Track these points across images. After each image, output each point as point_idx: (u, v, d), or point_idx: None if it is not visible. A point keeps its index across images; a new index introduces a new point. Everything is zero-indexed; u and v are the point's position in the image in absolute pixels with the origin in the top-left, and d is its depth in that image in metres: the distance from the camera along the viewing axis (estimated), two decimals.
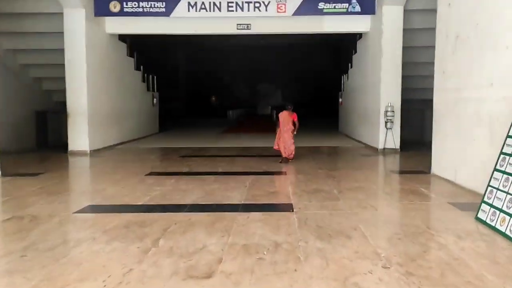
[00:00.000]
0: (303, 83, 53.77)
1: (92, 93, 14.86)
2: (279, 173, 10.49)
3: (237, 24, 15.93)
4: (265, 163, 11.85)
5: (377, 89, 14.68)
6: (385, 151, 14.22)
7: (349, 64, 20.74)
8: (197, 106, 47.64)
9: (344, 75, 22.29)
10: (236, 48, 49.61)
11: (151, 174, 10.27)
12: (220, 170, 10.80)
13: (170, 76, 42.78)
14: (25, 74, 16.75)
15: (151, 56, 42.79)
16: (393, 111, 13.98)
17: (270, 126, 30.85)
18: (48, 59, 16.31)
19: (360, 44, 17.96)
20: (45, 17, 15.25)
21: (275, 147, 12.14)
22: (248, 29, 15.95)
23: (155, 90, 22.80)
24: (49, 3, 14.63)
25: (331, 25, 15.88)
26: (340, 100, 22.78)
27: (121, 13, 15.29)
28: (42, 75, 17.32)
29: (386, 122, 14.08)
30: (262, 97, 55.04)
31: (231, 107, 40.23)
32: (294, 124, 11.83)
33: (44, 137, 17.81)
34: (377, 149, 14.53)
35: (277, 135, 12.05)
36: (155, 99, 22.38)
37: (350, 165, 11.58)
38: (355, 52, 19.05)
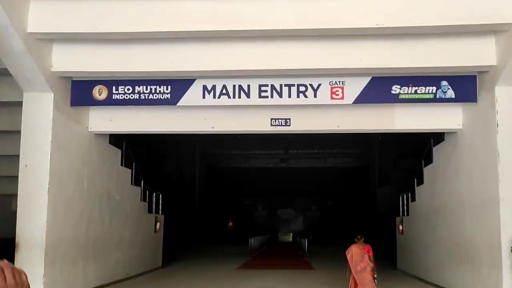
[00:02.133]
0: (327, 208, 50.22)
1: (58, 215, 10.00)
2: None
3: (271, 119, 11.30)
4: None
5: (489, 213, 9.50)
6: None
7: (415, 180, 15.73)
8: (213, 232, 42.79)
9: (404, 195, 17.17)
10: (254, 172, 47.05)
11: None
12: None
13: (184, 198, 39.28)
14: None
15: (157, 166, 40.06)
16: None
17: (296, 258, 25.97)
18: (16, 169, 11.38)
19: (440, 150, 13.07)
20: (6, 109, 10.96)
21: None
22: (286, 125, 11.28)
23: (160, 212, 17.73)
24: (8, 88, 10.42)
25: (406, 120, 11.26)
26: (401, 227, 17.22)
27: (109, 101, 10.79)
28: (10, 191, 12.63)
29: None
30: (282, 223, 51.74)
31: (249, 233, 35.00)
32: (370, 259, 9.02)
33: None
34: None
35: (350, 279, 9.10)
36: (158, 223, 17.16)
37: None
38: (428, 162, 14.15)
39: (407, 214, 16.72)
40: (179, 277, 15.24)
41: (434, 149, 13.63)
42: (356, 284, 8.94)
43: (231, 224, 49.09)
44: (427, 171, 14.37)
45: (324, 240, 35.54)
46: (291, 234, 49.76)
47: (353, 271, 8.88)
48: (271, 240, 44.54)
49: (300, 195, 51.00)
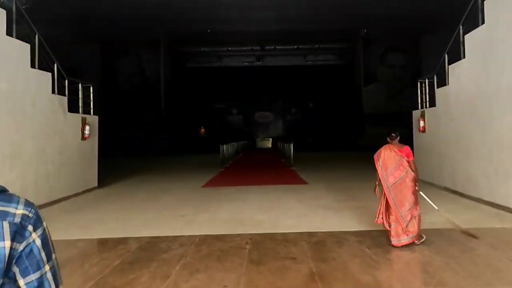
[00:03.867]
0: (308, 111, 46.93)
1: None
2: None
3: None
4: None
5: None
6: None
7: (445, 56, 11.16)
8: (182, 140, 38.66)
9: (425, 81, 12.67)
10: (228, 72, 43.01)
11: None
12: None
13: (148, 99, 35.60)
14: None
15: (115, 65, 36.01)
16: None
17: (281, 169, 21.93)
18: None
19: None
20: None
21: (379, 220, 6.06)
22: None
23: (91, 111, 12.90)
24: None
25: None
26: (422, 123, 12.78)
27: None
28: None
29: None
30: (260, 128, 48.42)
31: (223, 140, 30.07)
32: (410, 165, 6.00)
33: None
34: None
35: (381, 197, 6.01)
36: (87, 127, 12.28)
37: None
38: (472, 26, 9.54)
39: (431, 105, 12.30)
40: (118, 200, 10.75)
41: (486, 1, 8.96)
42: (388, 206, 5.93)
43: (203, 130, 45.16)
44: (471, 38, 9.74)
45: (306, 146, 32.00)
46: (270, 139, 46.71)
47: (384, 184, 5.88)
48: (248, 146, 40.63)
49: (279, 97, 47.35)
